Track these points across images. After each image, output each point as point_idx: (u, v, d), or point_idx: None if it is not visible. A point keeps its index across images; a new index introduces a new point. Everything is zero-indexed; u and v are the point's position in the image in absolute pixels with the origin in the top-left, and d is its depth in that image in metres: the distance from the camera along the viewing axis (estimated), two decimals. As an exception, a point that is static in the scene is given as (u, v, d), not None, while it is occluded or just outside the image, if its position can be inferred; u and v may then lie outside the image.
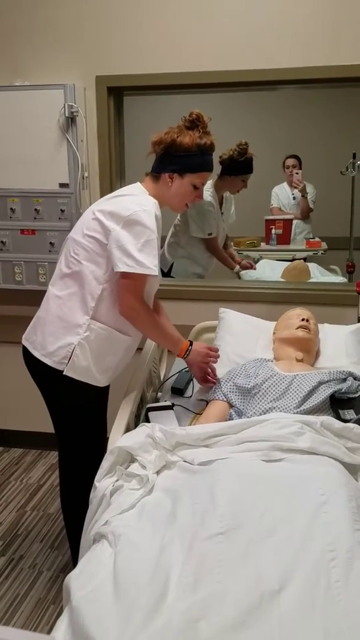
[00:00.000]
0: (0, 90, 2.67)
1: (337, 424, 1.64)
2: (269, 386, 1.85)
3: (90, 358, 1.85)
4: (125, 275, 1.77)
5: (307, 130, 3.84)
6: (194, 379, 2.19)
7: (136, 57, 2.63)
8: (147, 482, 1.49)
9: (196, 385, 2.18)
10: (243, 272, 3.30)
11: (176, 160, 1.84)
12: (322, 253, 3.52)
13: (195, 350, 1.97)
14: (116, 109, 2.79)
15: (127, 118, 2.89)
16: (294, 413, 1.75)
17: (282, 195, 3.89)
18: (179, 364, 2.28)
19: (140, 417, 1.99)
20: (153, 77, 2.62)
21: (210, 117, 1.88)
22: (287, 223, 3.59)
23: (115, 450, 1.61)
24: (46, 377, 1.90)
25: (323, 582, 1.12)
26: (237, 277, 3.26)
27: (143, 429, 1.68)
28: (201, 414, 1.99)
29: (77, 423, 1.95)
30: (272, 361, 2.07)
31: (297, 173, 3.71)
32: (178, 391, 2.19)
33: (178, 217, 3.14)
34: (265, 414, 1.77)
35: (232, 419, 1.83)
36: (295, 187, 3.74)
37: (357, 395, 1.84)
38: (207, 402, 2.02)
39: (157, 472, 1.56)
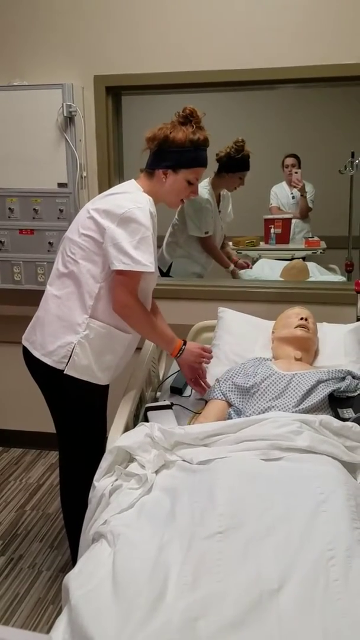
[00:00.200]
0: (-2, 90, 2.67)
1: (336, 422, 1.65)
2: (268, 385, 1.85)
3: (90, 356, 1.85)
4: (120, 272, 1.77)
5: (306, 129, 3.84)
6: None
7: (134, 57, 2.63)
8: (146, 482, 1.49)
9: (195, 385, 2.18)
10: (242, 272, 3.30)
11: (169, 156, 1.84)
12: (321, 252, 3.52)
13: (189, 350, 1.96)
14: (114, 109, 2.79)
15: (126, 117, 2.89)
16: (292, 412, 1.75)
17: (281, 195, 3.89)
18: (178, 364, 2.28)
19: (139, 416, 2.00)
20: (151, 76, 2.62)
21: (204, 113, 1.88)
22: (286, 222, 3.60)
23: (114, 449, 1.61)
24: (47, 376, 1.90)
25: (322, 581, 1.12)
26: (232, 276, 3.26)
27: (142, 428, 1.68)
28: (200, 413, 1.99)
29: (78, 422, 1.95)
30: (271, 360, 2.07)
31: (296, 172, 3.71)
32: (177, 390, 2.19)
33: (176, 217, 3.15)
34: (264, 413, 1.77)
35: (231, 418, 1.83)
36: (295, 187, 3.74)
37: (355, 394, 1.84)
38: (206, 402, 2.02)
39: (156, 472, 1.56)
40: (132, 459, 1.62)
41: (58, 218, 2.71)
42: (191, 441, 1.66)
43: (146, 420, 1.92)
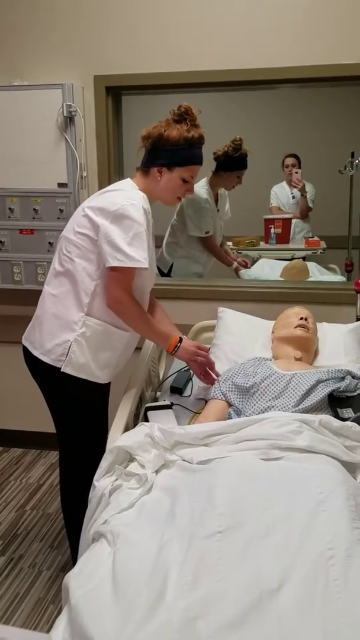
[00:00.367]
0: (-2, 90, 2.67)
1: (336, 422, 1.65)
2: (268, 385, 1.86)
3: (88, 354, 1.85)
4: (114, 268, 1.78)
5: (306, 129, 3.84)
6: (193, 379, 2.19)
7: (134, 57, 2.63)
8: (146, 481, 1.49)
9: (195, 385, 2.18)
10: (242, 272, 3.30)
11: (164, 154, 1.84)
12: (321, 252, 3.52)
13: (183, 347, 1.96)
14: (114, 109, 2.79)
15: (126, 117, 2.89)
16: (292, 412, 1.75)
17: (282, 195, 3.89)
18: (178, 364, 2.28)
19: (139, 416, 2.00)
20: (151, 76, 2.62)
21: (200, 110, 1.88)
22: (286, 222, 3.59)
23: (114, 449, 1.61)
24: (46, 375, 1.91)
25: (322, 581, 1.12)
26: (235, 273, 3.26)
27: (142, 428, 1.69)
28: (200, 413, 1.99)
29: (78, 422, 1.95)
30: (270, 360, 2.07)
31: (296, 172, 3.71)
32: (177, 390, 2.19)
33: (175, 217, 3.15)
34: (263, 412, 1.77)
35: (231, 418, 1.84)
36: (295, 187, 3.74)
37: (355, 393, 1.84)
38: (206, 401, 2.02)
39: (156, 471, 1.56)
40: (132, 459, 1.62)
41: (58, 218, 2.71)
42: (191, 441, 1.66)
43: (146, 420, 1.92)
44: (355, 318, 2.42)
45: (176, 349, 1.95)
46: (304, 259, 3.41)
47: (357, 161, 2.90)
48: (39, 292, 1.99)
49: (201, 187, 3.06)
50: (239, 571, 1.15)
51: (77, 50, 2.68)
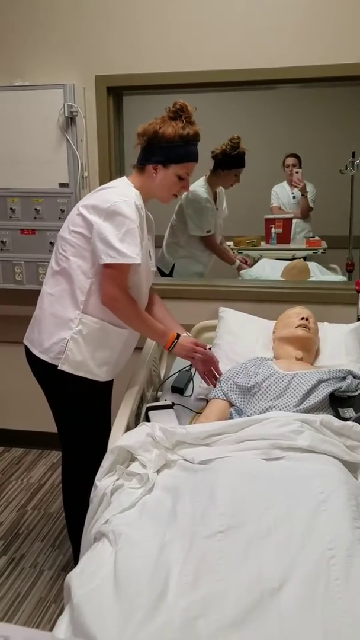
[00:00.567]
0: (-1, 90, 2.68)
1: (337, 422, 1.65)
2: (269, 385, 1.86)
3: (85, 352, 1.86)
4: (107, 265, 1.78)
5: (307, 129, 3.84)
6: (194, 379, 2.20)
7: (135, 57, 2.63)
8: (147, 481, 1.50)
9: (196, 384, 2.19)
10: (243, 271, 3.30)
11: (159, 151, 1.85)
12: (321, 252, 3.52)
13: (180, 344, 1.96)
14: (115, 109, 2.79)
15: (127, 117, 2.89)
16: (293, 411, 1.75)
17: (282, 195, 3.89)
18: (179, 363, 2.28)
19: (140, 416, 2.00)
20: (152, 76, 2.62)
21: (195, 107, 1.88)
22: (287, 222, 3.59)
23: (116, 449, 1.61)
24: (46, 374, 1.92)
25: (323, 581, 1.13)
26: (238, 271, 3.26)
27: (143, 428, 1.69)
28: (201, 412, 1.99)
29: (78, 420, 1.96)
30: (271, 360, 2.07)
31: (297, 172, 3.71)
32: (178, 390, 2.19)
33: (174, 217, 3.15)
34: (265, 412, 1.77)
35: (232, 418, 1.84)
36: (295, 186, 3.74)
37: (356, 393, 1.84)
38: (207, 401, 2.02)
39: (158, 471, 1.57)
40: (133, 459, 1.62)
41: (59, 218, 2.71)
42: (192, 441, 1.66)
43: (147, 420, 1.92)
44: (356, 318, 2.42)
45: (173, 345, 1.95)
46: (304, 258, 3.41)
47: (357, 161, 2.90)
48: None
49: (200, 186, 3.06)
50: (240, 571, 1.16)
51: (77, 50, 2.68)
